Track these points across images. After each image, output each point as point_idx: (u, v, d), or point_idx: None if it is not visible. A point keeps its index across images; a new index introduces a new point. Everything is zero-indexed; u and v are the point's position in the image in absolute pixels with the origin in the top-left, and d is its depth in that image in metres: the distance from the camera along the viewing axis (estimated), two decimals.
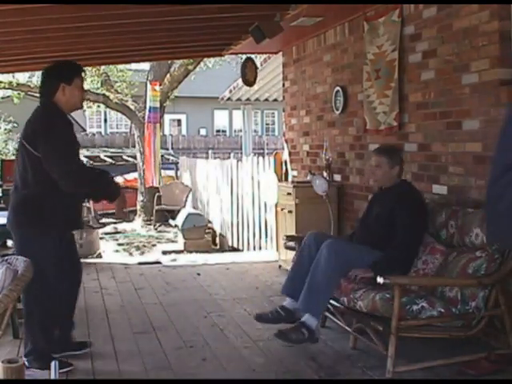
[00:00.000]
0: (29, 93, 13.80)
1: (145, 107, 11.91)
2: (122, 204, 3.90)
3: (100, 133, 24.13)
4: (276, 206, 7.04)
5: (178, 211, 11.17)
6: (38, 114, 3.72)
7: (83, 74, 3.85)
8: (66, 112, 3.78)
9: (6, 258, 3.14)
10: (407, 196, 4.20)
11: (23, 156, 3.65)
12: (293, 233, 5.99)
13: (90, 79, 13.09)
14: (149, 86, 11.79)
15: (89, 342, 4.07)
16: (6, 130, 18.01)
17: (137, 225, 12.88)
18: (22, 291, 3.66)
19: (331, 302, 4.10)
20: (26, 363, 3.58)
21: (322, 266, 3.96)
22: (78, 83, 3.76)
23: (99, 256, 8.34)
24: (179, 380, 3.66)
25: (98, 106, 14.97)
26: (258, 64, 9.86)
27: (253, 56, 8.78)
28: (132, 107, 12.89)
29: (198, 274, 6.62)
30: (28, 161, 3.62)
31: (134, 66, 15.11)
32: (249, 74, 8.55)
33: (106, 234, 11.61)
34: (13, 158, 15.47)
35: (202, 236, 10.06)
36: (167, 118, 24.55)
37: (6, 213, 5.69)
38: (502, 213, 1.59)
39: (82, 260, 7.28)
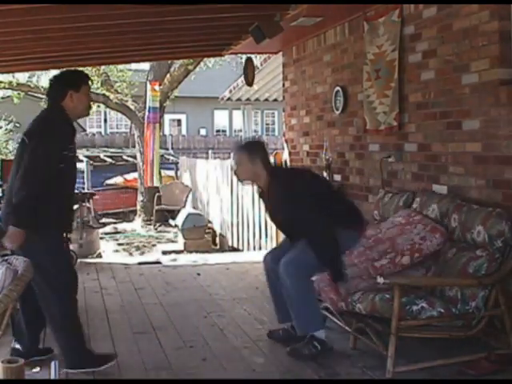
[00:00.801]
0: (29, 93, 13.82)
1: (145, 107, 11.91)
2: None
3: (100, 133, 24.11)
4: None
5: (178, 211, 11.18)
6: (42, 116, 3.75)
7: (90, 83, 3.90)
8: (72, 118, 3.81)
9: (6, 258, 3.15)
10: (282, 188, 4.01)
11: (21, 153, 3.64)
12: None
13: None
14: (148, 85, 11.80)
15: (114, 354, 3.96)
16: (6, 129, 18.00)
17: (137, 225, 12.89)
18: (44, 305, 3.70)
19: (330, 306, 4.10)
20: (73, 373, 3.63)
21: (291, 286, 3.93)
22: (85, 91, 3.80)
23: (99, 256, 8.34)
24: (179, 380, 3.66)
25: (98, 106, 14.97)
26: (258, 64, 9.87)
27: (252, 56, 8.79)
28: (132, 107, 12.89)
29: (198, 274, 6.63)
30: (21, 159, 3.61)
31: (133, 65, 15.11)
32: (250, 75, 8.56)
33: (106, 233, 11.61)
34: (13, 158, 15.51)
35: (202, 236, 10.07)
36: (167, 118, 24.54)
37: None
38: None
39: (82, 260, 7.32)
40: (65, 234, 3.90)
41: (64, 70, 4.01)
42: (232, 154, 4.19)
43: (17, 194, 3.52)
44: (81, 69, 5.73)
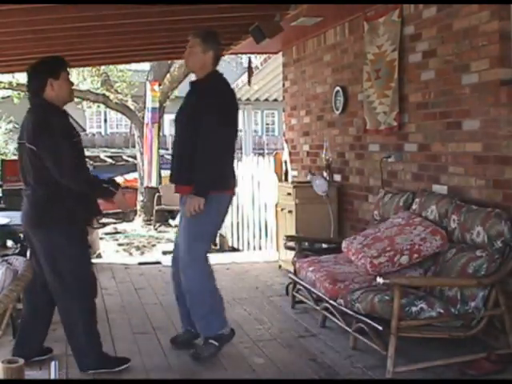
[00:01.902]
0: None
1: (145, 107, 11.91)
2: (123, 203, 3.91)
3: (100, 133, 24.13)
4: (276, 205, 7.04)
5: (178, 211, 11.17)
6: (33, 115, 3.71)
7: (68, 68, 3.84)
8: (60, 106, 3.77)
9: (6, 257, 3.15)
10: (213, 90, 3.90)
11: (31, 159, 3.63)
12: (293, 233, 6.00)
13: (90, 79, 13.10)
14: (148, 85, 11.79)
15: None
16: (6, 129, 18.00)
17: (137, 225, 12.89)
18: (60, 305, 3.70)
19: (330, 301, 4.10)
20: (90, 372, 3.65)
21: (190, 287, 3.96)
22: (64, 76, 3.75)
23: (99, 256, 8.34)
24: (179, 380, 3.66)
25: (98, 106, 14.99)
26: (258, 64, 9.87)
27: (252, 56, 8.78)
28: (132, 107, 12.89)
29: None
30: (36, 162, 3.61)
31: (133, 66, 15.10)
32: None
33: (106, 234, 11.62)
34: (13, 158, 15.50)
35: None
36: (167, 118, 24.46)
37: (6, 213, 5.75)
38: None
39: None
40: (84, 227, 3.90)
41: (39, 60, 3.90)
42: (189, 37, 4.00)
43: (77, 182, 3.59)
44: (82, 68, 5.71)
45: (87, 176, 3.76)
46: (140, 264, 7.43)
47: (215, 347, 3.92)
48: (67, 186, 3.60)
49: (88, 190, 3.72)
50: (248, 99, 12.69)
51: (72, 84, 3.89)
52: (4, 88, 13.32)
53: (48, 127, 3.60)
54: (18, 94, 14.47)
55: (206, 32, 4.09)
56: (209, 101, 3.86)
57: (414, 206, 4.51)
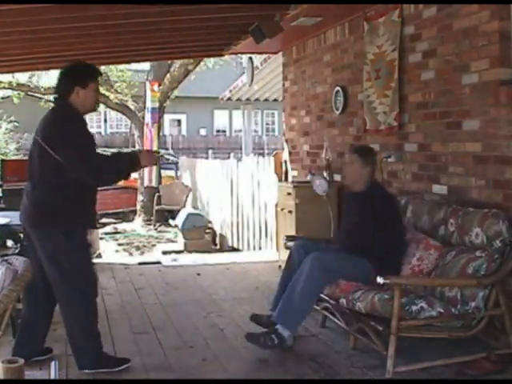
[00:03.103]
0: (29, 93, 13.81)
1: (144, 107, 11.90)
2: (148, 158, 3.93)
3: (100, 133, 24.12)
4: (276, 205, 7.04)
5: (178, 211, 11.16)
6: (54, 116, 3.73)
7: (99, 78, 3.85)
8: (81, 113, 3.78)
9: (6, 257, 3.15)
10: (380, 199, 4.21)
11: (43, 157, 3.63)
12: (293, 233, 5.99)
13: None
14: (148, 85, 11.78)
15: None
16: (6, 129, 18.00)
17: (137, 225, 12.88)
18: (63, 305, 3.71)
19: (331, 301, 4.11)
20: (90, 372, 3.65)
21: (303, 280, 3.96)
22: (92, 87, 3.76)
23: (99, 256, 8.33)
24: (179, 380, 3.66)
25: (98, 106, 14.95)
26: (258, 64, 9.88)
27: (252, 56, 8.79)
28: (132, 107, 12.89)
29: (198, 274, 6.62)
30: (49, 162, 3.61)
31: (133, 66, 15.08)
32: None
33: (106, 233, 11.60)
34: (13, 158, 15.51)
35: (202, 236, 10.05)
36: (167, 118, 24.52)
37: (6, 213, 5.74)
38: None
39: None
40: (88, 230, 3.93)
41: (72, 64, 3.90)
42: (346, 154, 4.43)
43: (91, 174, 3.63)
44: None
45: (110, 162, 3.81)
46: (140, 264, 7.43)
47: (272, 342, 3.93)
48: (73, 191, 3.61)
49: (117, 175, 3.80)
50: (248, 99, 12.68)
51: (99, 95, 3.91)
52: (4, 88, 13.31)
53: (70, 129, 3.61)
54: (18, 94, 14.47)
55: (365, 150, 4.47)
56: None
57: (409, 214, 4.50)
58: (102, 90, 12.79)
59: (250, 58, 9.98)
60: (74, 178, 3.59)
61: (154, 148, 11.44)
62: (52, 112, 3.78)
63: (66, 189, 3.62)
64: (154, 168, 11.58)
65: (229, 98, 12.77)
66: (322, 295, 4.21)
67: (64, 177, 3.60)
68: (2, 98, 17.60)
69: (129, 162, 3.81)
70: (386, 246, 4.06)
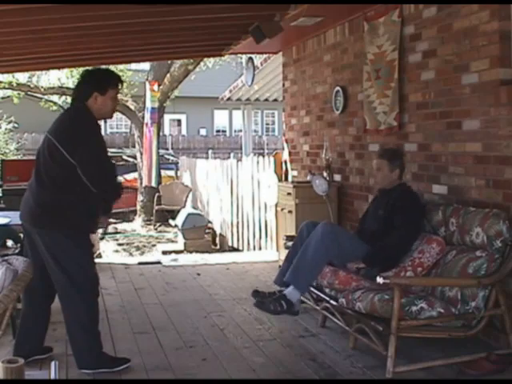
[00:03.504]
0: (29, 93, 13.82)
1: (144, 107, 11.91)
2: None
3: None
4: (276, 206, 7.04)
5: (178, 211, 11.17)
6: (70, 118, 3.72)
7: (120, 85, 3.82)
8: (96, 117, 3.77)
9: (6, 257, 3.15)
10: (406, 198, 4.26)
11: (55, 158, 3.62)
12: (293, 233, 5.99)
13: None
14: (147, 85, 11.78)
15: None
16: (6, 129, 18.01)
17: (137, 225, 12.89)
18: (64, 306, 3.71)
19: (331, 302, 4.11)
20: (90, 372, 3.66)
21: (315, 242, 4.07)
22: (111, 94, 3.75)
23: (99, 256, 8.34)
24: (179, 380, 3.66)
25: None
26: (258, 64, 9.87)
27: (252, 56, 8.79)
28: (132, 107, 12.89)
29: (198, 274, 6.62)
30: (62, 164, 3.60)
31: (133, 66, 15.13)
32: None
33: (106, 233, 11.60)
34: (13, 158, 15.50)
35: (202, 236, 10.06)
36: (167, 118, 24.55)
37: (6, 213, 5.74)
38: None
39: None
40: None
41: (95, 68, 3.90)
42: (375, 157, 4.54)
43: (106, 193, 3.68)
44: (82, 68, 5.69)
45: (115, 186, 3.82)
46: (140, 264, 7.43)
47: (281, 308, 3.97)
48: (80, 194, 3.62)
49: (112, 198, 3.80)
50: (248, 99, 12.68)
51: (117, 102, 3.90)
52: (4, 88, 13.32)
53: (88, 139, 3.61)
54: (18, 94, 14.47)
55: (392, 153, 4.50)
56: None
57: None
58: None
59: (250, 58, 9.97)
60: (87, 180, 3.59)
61: (154, 148, 11.47)
62: (67, 114, 3.78)
63: (73, 191, 3.61)
64: (154, 168, 11.58)
65: (229, 98, 12.77)
66: (322, 295, 4.22)
67: (73, 179, 3.58)
68: (2, 98, 17.62)
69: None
70: (398, 243, 4.12)
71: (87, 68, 3.91)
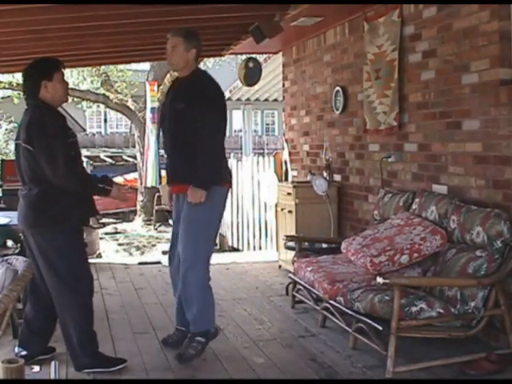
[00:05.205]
0: None
1: (145, 107, 11.91)
2: (121, 196, 3.94)
3: (100, 133, 24.11)
4: (276, 205, 7.04)
5: None
6: (28, 115, 3.73)
7: (62, 68, 3.84)
8: (55, 106, 3.80)
9: (5, 257, 3.15)
10: (202, 86, 3.99)
11: (27, 158, 3.66)
12: (293, 233, 6.00)
13: (90, 79, 13.10)
14: (147, 86, 11.79)
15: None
16: (6, 129, 18.01)
17: (137, 225, 12.89)
18: (59, 306, 3.70)
19: (330, 302, 4.11)
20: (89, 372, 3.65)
21: (191, 288, 4.05)
22: (58, 77, 3.76)
23: (99, 256, 8.34)
24: (179, 380, 3.66)
25: (98, 106, 14.97)
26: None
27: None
28: (132, 107, 12.90)
29: None
30: (31, 162, 3.65)
31: (134, 66, 15.10)
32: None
33: (106, 233, 11.62)
34: (13, 158, 15.51)
35: None
36: None
37: (6, 213, 5.75)
38: None
39: None
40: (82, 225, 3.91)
41: (32, 62, 3.91)
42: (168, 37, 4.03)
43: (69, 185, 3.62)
44: (82, 68, 5.70)
45: (81, 176, 3.75)
46: (140, 264, 7.43)
47: (201, 345, 3.91)
48: (61, 186, 3.62)
49: (81, 189, 3.73)
50: (248, 99, 12.69)
51: (67, 84, 3.91)
52: (4, 88, 13.33)
53: (42, 127, 3.62)
54: (18, 94, 14.46)
55: (187, 30, 4.13)
56: (206, 97, 3.94)
57: (414, 206, 4.51)
58: (102, 90, 12.84)
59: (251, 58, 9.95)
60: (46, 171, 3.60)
61: (154, 148, 11.46)
62: (27, 115, 3.77)
63: (55, 188, 3.63)
64: (154, 168, 11.57)
65: (229, 98, 12.76)
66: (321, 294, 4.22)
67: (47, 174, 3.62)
68: (2, 98, 17.62)
69: (97, 188, 3.81)
70: (212, 147, 3.93)
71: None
